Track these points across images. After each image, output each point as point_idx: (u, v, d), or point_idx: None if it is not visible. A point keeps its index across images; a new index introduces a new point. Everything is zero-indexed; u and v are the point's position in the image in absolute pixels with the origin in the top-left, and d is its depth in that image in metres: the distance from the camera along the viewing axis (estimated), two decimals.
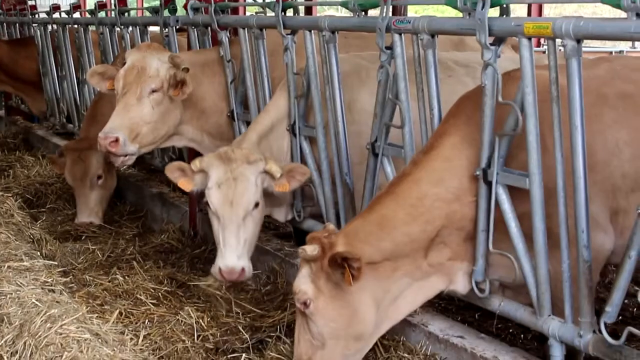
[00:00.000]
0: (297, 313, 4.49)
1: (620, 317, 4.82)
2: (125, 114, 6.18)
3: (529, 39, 3.97)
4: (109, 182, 8.20)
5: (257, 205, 5.41)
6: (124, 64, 6.45)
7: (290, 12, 5.96)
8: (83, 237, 7.68)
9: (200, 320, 5.42)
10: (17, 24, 12.74)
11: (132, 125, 6.15)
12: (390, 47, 4.96)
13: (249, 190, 5.36)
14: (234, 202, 5.33)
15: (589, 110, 3.87)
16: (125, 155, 6.11)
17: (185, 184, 5.59)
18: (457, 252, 4.49)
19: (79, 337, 4.32)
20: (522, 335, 5.44)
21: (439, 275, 4.53)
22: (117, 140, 6.05)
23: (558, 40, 3.85)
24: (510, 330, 5.49)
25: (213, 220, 5.42)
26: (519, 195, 4.20)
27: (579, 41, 3.71)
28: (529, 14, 12.53)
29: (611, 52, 15.70)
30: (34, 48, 11.52)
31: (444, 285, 4.58)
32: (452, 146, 4.42)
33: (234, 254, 5.31)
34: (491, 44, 4.15)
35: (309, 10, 12.42)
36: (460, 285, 4.57)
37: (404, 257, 4.39)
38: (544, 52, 10.29)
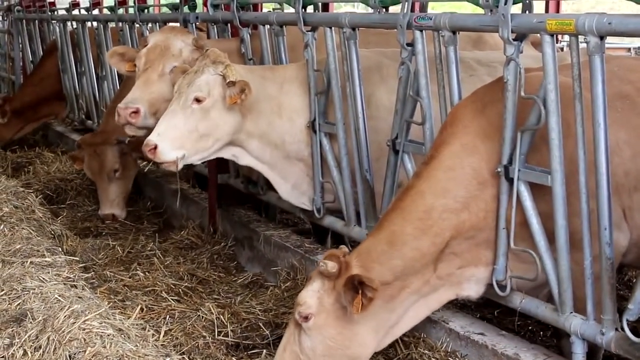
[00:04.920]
0: (291, 321, 4.47)
1: None
2: (145, 88, 6.22)
3: (552, 35, 3.97)
4: (127, 172, 8.25)
5: (199, 101, 5.50)
6: (146, 45, 6.49)
7: (310, 9, 5.97)
8: (103, 233, 7.76)
9: (221, 316, 5.45)
10: (37, 21, 12.77)
11: (152, 99, 6.17)
12: (411, 44, 4.97)
13: (196, 84, 5.52)
14: (182, 90, 5.54)
15: (589, 110, 3.84)
16: (144, 129, 6.01)
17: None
18: (468, 259, 4.47)
19: (102, 332, 4.33)
20: (541, 333, 5.43)
21: (447, 286, 4.51)
22: (137, 111, 6.09)
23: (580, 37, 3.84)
24: (530, 328, 5.49)
25: None
26: (536, 193, 4.20)
27: (602, 38, 3.70)
28: (547, 9, 12.47)
29: (629, 49, 15.62)
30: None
31: (452, 295, 4.56)
32: (453, 155, 4.37)
33: (156, 131, 5.47)
34: (514, 40, 4.15)
35: (325, 7, 12.40)
36: (473, 291, 4.56)
37: (414, 274, 4.36)
38: (562, 50, 10.27)
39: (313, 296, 4.34)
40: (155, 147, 5.40)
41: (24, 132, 11.40)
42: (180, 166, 5.54)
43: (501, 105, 4.28)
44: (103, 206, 8.16)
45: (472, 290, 4.55)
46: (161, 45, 6.42)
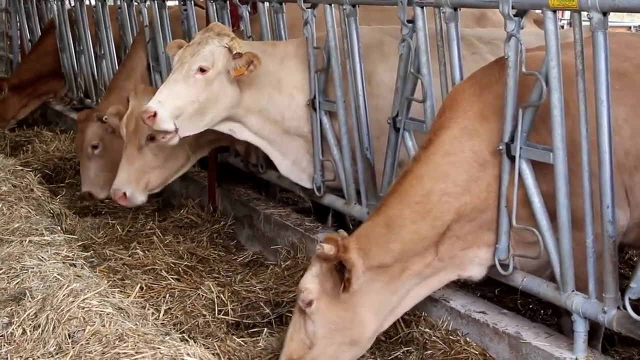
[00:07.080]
0: (296, 310, 4.45)
1: None
2: (129, 167, 6.37)
3: (554, 11, 3.93)
4: (110, 152, 8.05)
5: (203, 71, 5.50)
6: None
7: None
8: (103, 212, 7.72)
9: (221, 295, 5.44)
10: None
11: (138, 177, 6.36)
12: (412, 21, 4.92)
13: (201, 54, 5.53)
14: (184, 60, 5.55)
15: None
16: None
17: None
18: (470, 241, 4.45)
19: (102, 311, 4.31)
20: (542, 311, 5.42)
21: (450, 268, 4.50)
22: (125, 195, 6.33)
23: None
24: (531, 306, 5.48)
25: None
26: (537, 172, 4.18)
27: (605, 14, 3.67)
28: None
29: (630, 28, 15.56)
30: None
31: (454, 276, 4.56)
32: (452, 139, 4.34)
33: (157, 98, 5.47)
34: (514, 15, 4.11)
35: None
36: (476, 272, 4.55)
37: (415, 256, 4.35)
38: (562, 27, 10.20)
39: (313, 281, 4.34)
40: (155, 115, 5.37)
41: (27, 110, 11.34)
42: (177, 139, 5.53)
43: (499, 87, 4.25)
44: (83, 184, 7.83)
45: (475, 271, 4.54)
46: (137, 114, 6.33)
